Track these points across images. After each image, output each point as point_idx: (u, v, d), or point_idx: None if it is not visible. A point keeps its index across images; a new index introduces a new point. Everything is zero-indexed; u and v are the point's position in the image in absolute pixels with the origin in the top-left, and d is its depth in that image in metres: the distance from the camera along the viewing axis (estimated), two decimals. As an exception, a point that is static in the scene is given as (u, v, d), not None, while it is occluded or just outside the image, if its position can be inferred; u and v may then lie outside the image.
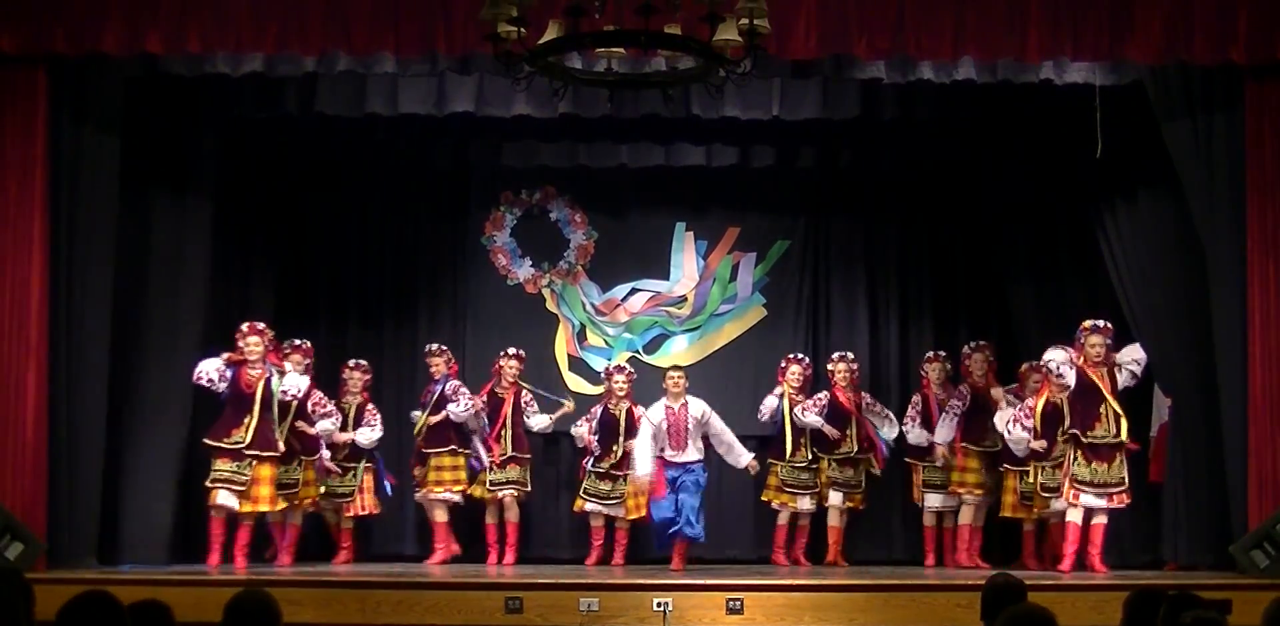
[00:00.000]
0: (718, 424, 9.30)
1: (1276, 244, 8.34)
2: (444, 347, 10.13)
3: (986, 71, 8.49)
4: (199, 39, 8.10)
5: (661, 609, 7.38)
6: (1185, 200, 8.70)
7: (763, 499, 10.09)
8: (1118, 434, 8.70)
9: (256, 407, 8.92)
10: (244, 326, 9.12)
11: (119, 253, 8.85)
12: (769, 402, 10.09)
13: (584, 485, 9.99)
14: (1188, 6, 8.13)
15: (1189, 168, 8.59)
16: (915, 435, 9.97)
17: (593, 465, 9.97)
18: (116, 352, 8.80)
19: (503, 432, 9.97)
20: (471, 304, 10.87)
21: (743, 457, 9.33)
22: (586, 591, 7.54)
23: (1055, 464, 9.09)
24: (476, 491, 9.98)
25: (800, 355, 10.27)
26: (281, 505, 9.12)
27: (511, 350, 10.14)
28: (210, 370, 8.94)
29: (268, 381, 9.00)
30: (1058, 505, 9.06)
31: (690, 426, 9.20)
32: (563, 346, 10.79)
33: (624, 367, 10.23)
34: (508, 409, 10.00)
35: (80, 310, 8.58)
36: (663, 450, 9.18)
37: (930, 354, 10.24)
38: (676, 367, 9.58)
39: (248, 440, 8.88)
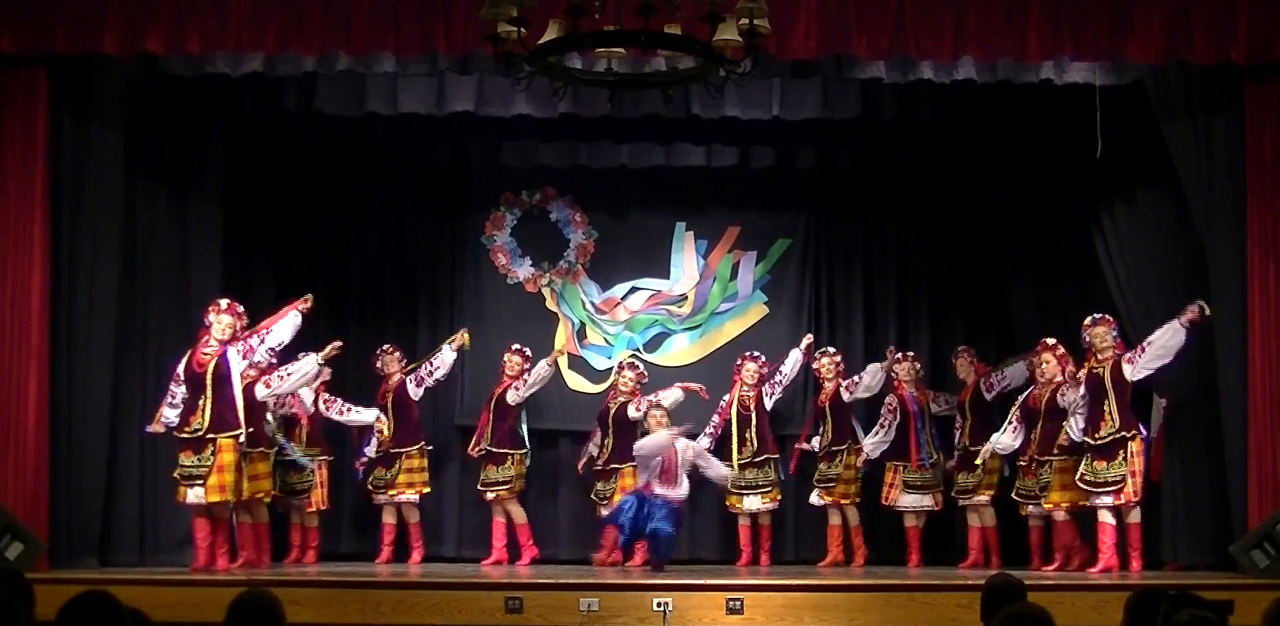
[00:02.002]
0: (698, 448, 9.31)
1: (1276, 244, 8.34)
2: (394, 346, 10.19)
3: (986, 71, 8.50)
4: (199, 39, 8.10)
5: (661, 609, 7.37)
6: (1185, 200, 8.70)
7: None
8: (1119, 429, 8.66)
9: (209, 388, 8.39)
10: (223, 302, 8.62)
11: (124, 252, 8.85)
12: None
13: (595, 487, 10.04)
14: (1188, 6, 8.13)
15: (1189, 168, 8.59)
16: (879, 442, 9.97)
17: (598, 465, 9.99)
18: (119, 352, 8.79)
19: (485, 429, 10.02)
20: (471, 303, 10.87)
21: (721, 470, 9.39)
22: (586, 591, 7.52)
23: (1031, 463, 9.21)
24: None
25: (756, 352, 10.25)
26: (237, 495, 8.55)
27: (516, 345, 10.14)
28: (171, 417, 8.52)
29: (222, 359, 8.44)
30: (1034, 510, 9.25)
31: (680, 462, 9.12)
32: (563, 345, 10.78)
33: (637, 365, 10.19)
34: (491, 404, 10.03)
35: (83, 310, 8.58)
36: (649, 483, 9.10)
37: (900, 354, 10.21)
38: (659, 406, 9.48)
39: (205, 424, 8.37)
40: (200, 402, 8.42)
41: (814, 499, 10.04)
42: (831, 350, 10.24)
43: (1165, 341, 8.56)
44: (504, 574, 9.05)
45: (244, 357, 8.55)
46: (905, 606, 7.53)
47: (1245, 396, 8.34)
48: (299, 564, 9.65)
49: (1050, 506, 9.05)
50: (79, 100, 8.57)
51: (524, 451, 10.05)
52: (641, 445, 9.14)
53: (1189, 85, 8.59)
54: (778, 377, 10.08)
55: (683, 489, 9.11)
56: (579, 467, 10.18)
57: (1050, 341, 9.13)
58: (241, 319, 8.69)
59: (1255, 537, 8.04)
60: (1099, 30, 8.13)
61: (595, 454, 10.03)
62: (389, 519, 10.03)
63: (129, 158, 8.81)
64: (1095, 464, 8.68)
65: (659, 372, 10.62)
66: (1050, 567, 9.09)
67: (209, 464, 8.36)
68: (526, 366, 10.09)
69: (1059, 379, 9.04)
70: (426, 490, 10.01)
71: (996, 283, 10.71)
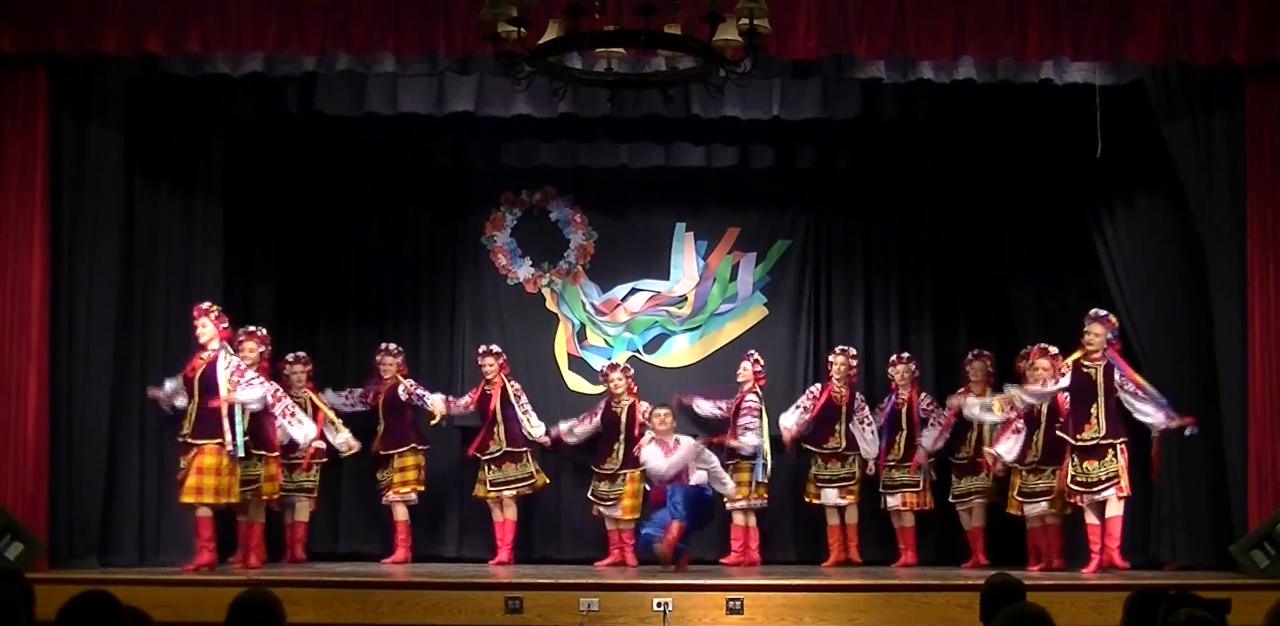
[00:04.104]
0: (711, 458, 9.39)
1: (1276, 244, 8.35)
2: (399, 348, 10.20)
3: (986, 71, 8.50)
4: (199, 39, 8.11)
5: (661, 609, 7.38)
6: (1185, 200, 8.70)
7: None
8: (1107, 434, 8.65)
9: (195, 391, 8.53)
10: (204, 306, 8.73)
11: (124, 252, 8.84)
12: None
13: (590, 487, 10.04)
14: (1188, 6, 8.13)
15: (1189, 167, 8.60)
16: (872, 442, 10.01)
17: (596, 466, 10.01)
18: (119, 352, 8.78)
19: (495, 429, 10.00)
20: (471, 304, 10.87)
21: (728, 486, 9.54)
22: (586, 591, 7.54)
23: (1031, 468, 9.17)
24: (479, 491, 10.02)
25: (750, 351, 10.26)
26: (226, 499, 8.53)
27: (485, 347, 10.15)
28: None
29: (210, 366, 8.55)
30: (1031, 510, 9.18)
31: (687, 466, 9.22)
32: (563, 346, 10.79)
33: (617, 365, 10.22)
34: (495, 405, 10.00)
35: (83, 310, 8.57)
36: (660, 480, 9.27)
37: (895, 356, 10.23)
38: (664, 406, 9.54)
39: (189, 430, 8.50)
40: (189, 408, 8.55)
41: (829, 499, 10.02)
42: (852, 350, 10.23)
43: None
44: (506, 573, 9.05)
45: (231, 374, 8.56)
46: (905, 606, 7.54)
47: (1245, 396, 8.35)
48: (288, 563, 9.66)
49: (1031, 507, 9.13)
50: (79, 100, 8.57)
51: (525, 451, 10.04)
52: (669, 465, 9.21)
53: (1189, 85, 8.59)
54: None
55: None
56: (558, 434, 10.15)
57: (1044, 346, 9.11)
58: (217, 318, 8.69)
59: (1255, 537, 8.05)
60: (1099, 30, 8.13)
61: (598, 454, 10.01)
62: (399, 518, 10.04)
63: (129, 158, 8.81)
64: (1085, 464, 8.67)
65: (659, 374, 10.64)
66: (1035, 568, 9.08)
67: (189, 466, 8.45)
68: (499, 364, 10.05)
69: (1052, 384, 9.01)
70: (416, 489, 10.00)
71: (997, 283, 10.70)
